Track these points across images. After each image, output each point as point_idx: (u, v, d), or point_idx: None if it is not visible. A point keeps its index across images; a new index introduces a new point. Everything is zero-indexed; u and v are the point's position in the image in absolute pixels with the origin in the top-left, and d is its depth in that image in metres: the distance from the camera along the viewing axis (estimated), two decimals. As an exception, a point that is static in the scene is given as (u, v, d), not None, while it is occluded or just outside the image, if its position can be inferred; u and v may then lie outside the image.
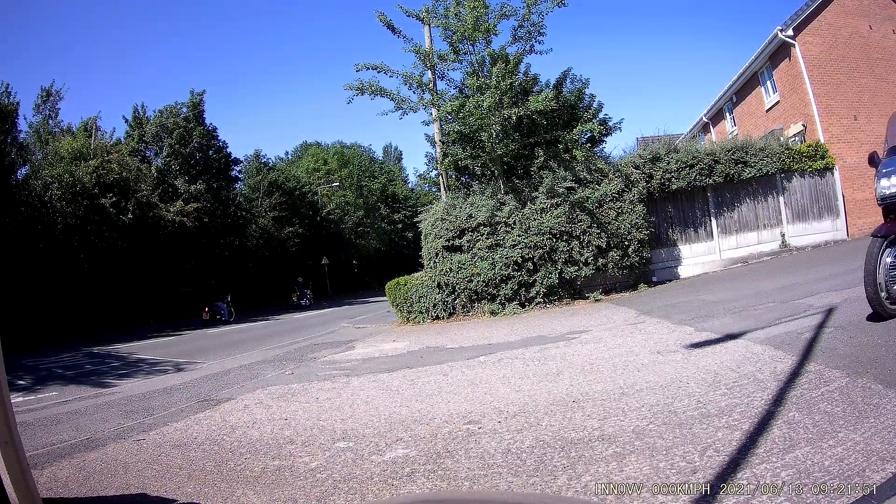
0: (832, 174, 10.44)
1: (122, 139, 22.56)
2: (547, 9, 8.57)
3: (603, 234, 8.44)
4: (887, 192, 3.75)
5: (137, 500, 2.27)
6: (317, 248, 28.89)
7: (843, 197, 10.54)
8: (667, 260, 9.71)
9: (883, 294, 3.50)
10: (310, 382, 4.60)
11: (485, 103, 8.17)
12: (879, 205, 3.85)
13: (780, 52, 13.84)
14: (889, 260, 3.54)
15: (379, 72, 8.89)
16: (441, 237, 8.67)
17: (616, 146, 39.11)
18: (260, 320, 16.26)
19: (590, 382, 3.30)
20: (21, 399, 5.28)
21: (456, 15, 8.70)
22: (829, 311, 4.17)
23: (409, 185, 42.80)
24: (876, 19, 13.44)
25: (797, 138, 12.59)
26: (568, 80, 10.21)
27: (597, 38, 60.53)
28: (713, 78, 58.13)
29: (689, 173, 9.46)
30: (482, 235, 8.49)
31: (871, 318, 3.59)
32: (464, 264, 8.44)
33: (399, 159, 47.89)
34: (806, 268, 7.47)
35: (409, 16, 9.22)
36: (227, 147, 26.09)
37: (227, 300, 18.58)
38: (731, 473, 1.76)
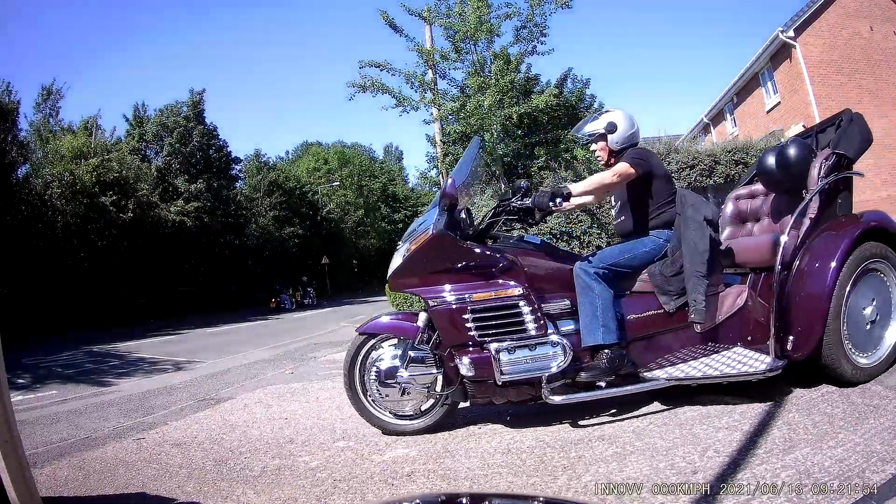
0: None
1: (123, 138, 22.57)
2: (550, 10, 8.60)
3: (603, 234, 8.42)
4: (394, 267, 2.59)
5: (137, 499, 2.27)
6: (317, 247, 28.91)
7: (844, 198, 10.55)
8: (667, 260, 9.70)
9: (386, 413, 2.65)
10: (310, 382, 4.60)
11: (486, 102, 8.18)
12: (393, 289, 2.72)
13: (780, 53, 13.86)
14: (392, 362, 2.57)
15: (382, 70, 8.92)
16: (441, 237, 8.65)
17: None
18: (259, 319, 16.27)
19: (590, 383, 3.29)
20: (20, 398, 5.28)
21: (459, 14, 8.72)
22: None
23: (410, 185, 42.80)
24: (877, 20, 13.46)
25: (797, 139, 12.59)
26: (569, 80, 10.23)
27: (597, 37, 60.55)
28: (714, 79, 58.15)
29: (689, 174, 9.44)
30: (482, 235, 8.48)
31: None
32: (464, 264, 8.42)
33: (400, 159, 47.94)
34: (806, 269, 7.46)
35: (411, 14, 9.24)
36: (228, 146, 26.14)
37: (289, 292, 22.42)
38: (731, 474, 1.76)
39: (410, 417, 2.66)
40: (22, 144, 17.31)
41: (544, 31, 8.85)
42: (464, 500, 1.02)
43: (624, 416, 2.53)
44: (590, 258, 2.52)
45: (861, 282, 2.43)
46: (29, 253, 14.72)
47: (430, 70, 9.18)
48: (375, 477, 2.20)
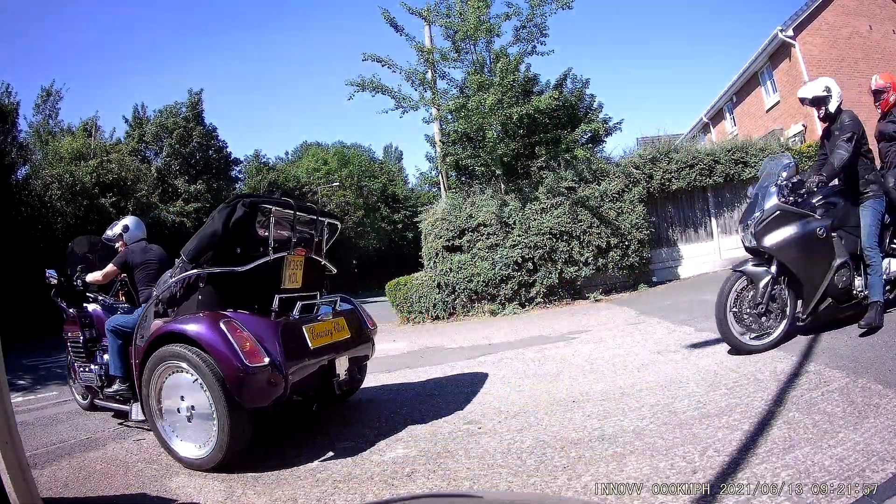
0: (832, 174, 10.44)
1: (123, 139, 22.56)
2: (551, 10, 8.60)
3: (603, 234, 8.43)
4: None
5: (138, 500, 2.27)
6: (316, 248, 28.86)
7: (843, 197, 10.54)
8: (667, 260, 9.71)
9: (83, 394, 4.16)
10: (310, 382, 4.59)
11: (488, 101, 8.18)
12: None
13: (780, 53, 13.85)
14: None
15: (383, 65, 8.92)
16: (441, 237, 8.67)
17: (616, 146, 39.07)
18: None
19: (590, 382, 3.30)
20: (21, 399, 5.28)
21: (460, 14, 8.72)
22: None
23: (409, 186, 42.77)
24: (876, 19, 13.45)
25: (797, 138, 12.60)
26: (568, 80, 10.22)
27: (596, 37, 60.52)
28: (713, 78, 58.07)
29: (689, 173, 9.45)
30: (482, 235, 8.49)
31: None
32: (464, 264, 8.44)
33: (399, 159, 47.85)
34: (806, 268, 7.45)
35: (412, 13, 9.24)
36: (227, 147, 26.13)
37: None
38: (731, 473, 1.76)
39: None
40: (21, 146, 17.30)
41: (544, 32, 8.85)
42: (464, 501, 1.03)
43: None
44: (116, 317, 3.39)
45: (169, 378, 2.61)
46: (29, 254, 14.70)
47: (429, 69, 9.18)
48: (375, 477, 2.20)
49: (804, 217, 3.30)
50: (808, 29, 13.15)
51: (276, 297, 2.77)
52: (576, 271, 8.35)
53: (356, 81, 8.82)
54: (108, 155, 18.28)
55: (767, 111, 15.16)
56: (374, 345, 3.42)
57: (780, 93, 14.34)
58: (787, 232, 3.26)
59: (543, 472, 2.02)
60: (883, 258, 3.41)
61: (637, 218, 8.62)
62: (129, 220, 3.89)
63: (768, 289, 3.28)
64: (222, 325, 2.45)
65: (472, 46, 8.88)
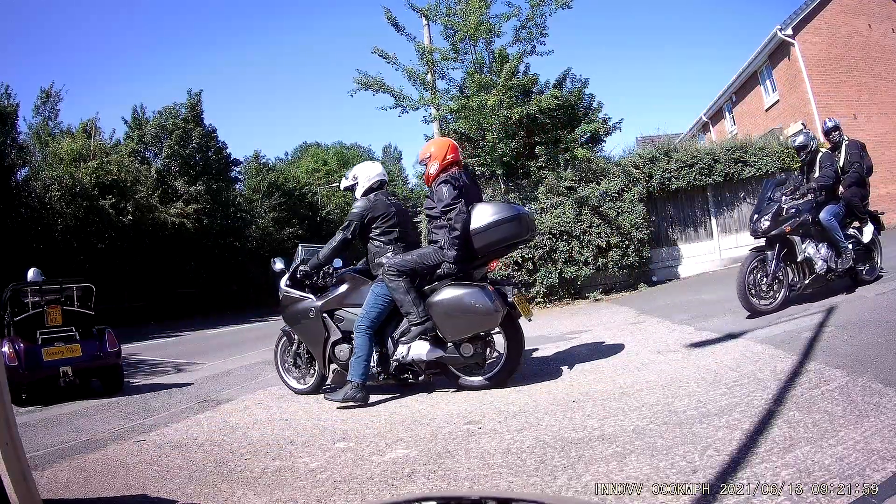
0: (832, 173, 10.43)
1: (122, 140, 22.57)
2: (550, 10, 8.59)
3: (603, 233, 8.43)
4: None
5: (138, 501, 2.27)
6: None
7: (843, 196, 10.54)
8: (667, 259, 9.70)
9: None
10: (310, 383, 4.59)
11: (489, 102, 8.18)
12: None
13: (779, 52, 13.86)
14: None
15: (388, 62, 8.94)
16: (441, 237, 8.66)
17: (616, 146, 38.99)
18: (258, 321, 16.24)
19: (590, 382, 3.30)
20: (21, 400, 5.27)
21: (461, 14, 8.72)
22: (830, 310, 4.17)
23: (409, 186, 42.78)
24: (875, 18, 13.46)
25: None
26: (568, 80, 10.21)
27: (596, 37, 60.58)
28: (713, 77, 58.15)
29: (688, 173, 9.45)
30: (482, 235, 8.48)
31: None
32: (464, 264, 8.43)
33: (399, 159, 47.94)
34: (806, 267, 7.45)
35: (414, 10, 9.24)
36: (227, 148, 26.09)
37: None
38: (731, 473, 1.76)
39: None
40: (21, 147, 17.32)
41: (544, 32, 8.84)
42: (464, 501, 1.02)
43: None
44: None
45: None
46: (28, 256, 14.70)
47: (429, 70, 9.18)
48: (375, 478, 2.20)
49: (301, 299, 3.88)
50: (807, 28, 13.15)
51: (38, 332, 5.00)
52: (576, 271, 8.35)
53: (362, 80, 8.85)
54: (107, 156, 18.31)
55: (767, 110, 15.16)
56: (114, 357, 5.23)
57: (780, 92, 14.34)
58: (290, 310, 3.94)
59: (543, 472, 2.02)
60: (400, 341, 3.46)
61: (637, 217, 8.61)
62: (31, 271, 6.00)
63: (294, 348, 4.08)
64: (6, 344, 4.72)
65: (471, 47, 8.88)
